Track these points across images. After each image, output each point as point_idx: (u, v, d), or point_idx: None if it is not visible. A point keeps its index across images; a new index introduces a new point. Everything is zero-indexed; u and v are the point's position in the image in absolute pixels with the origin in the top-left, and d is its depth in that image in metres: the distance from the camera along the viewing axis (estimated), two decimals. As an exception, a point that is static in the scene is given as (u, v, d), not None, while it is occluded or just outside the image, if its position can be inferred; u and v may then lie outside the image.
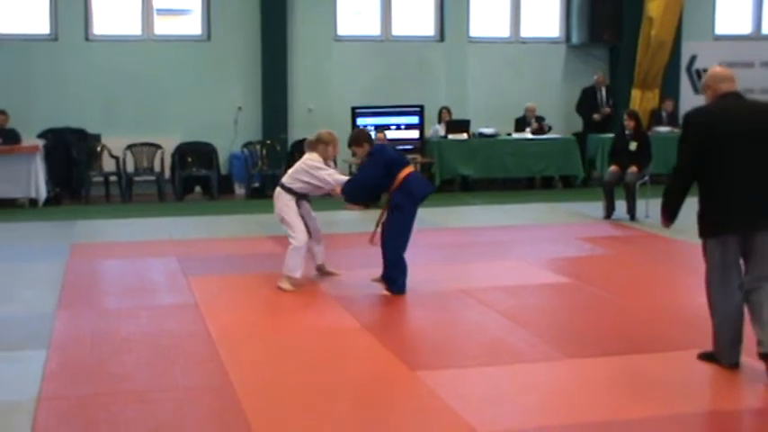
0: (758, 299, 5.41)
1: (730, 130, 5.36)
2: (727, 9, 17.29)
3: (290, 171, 7.95)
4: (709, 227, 5.46)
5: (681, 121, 5.55)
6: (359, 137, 7.84)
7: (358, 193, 7.72)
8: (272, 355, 6.03)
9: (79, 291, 7.91)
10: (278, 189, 7.91)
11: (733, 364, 5.54)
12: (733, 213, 5.37)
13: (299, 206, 7.86)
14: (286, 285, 7.75)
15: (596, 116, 15.41)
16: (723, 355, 5.58)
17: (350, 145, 7.84)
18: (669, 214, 5.66)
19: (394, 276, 7.58)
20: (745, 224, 5.39)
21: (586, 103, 15.68)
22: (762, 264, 5.40)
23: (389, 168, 7.50)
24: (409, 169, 7.63)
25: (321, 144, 7.81)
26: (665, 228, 5.83)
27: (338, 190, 7.69)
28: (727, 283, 5.48)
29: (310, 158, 7.79)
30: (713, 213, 5.42)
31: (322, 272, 8.33)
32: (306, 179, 7.76)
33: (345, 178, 7.82)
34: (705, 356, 5.71)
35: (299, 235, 7.75)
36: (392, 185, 7.46)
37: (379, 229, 7.66)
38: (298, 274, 7.75)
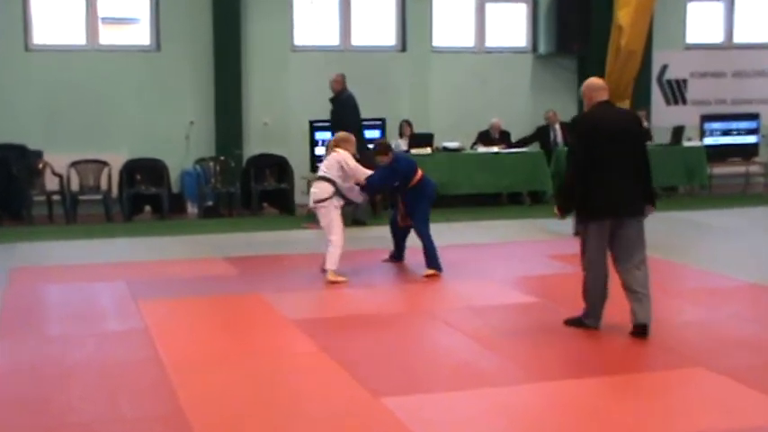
0: (634, 278, 6.62)
1: (607, 131, 6.59)
2: (698, 18, 17.13)
3: (322, 166, 9.00)
4: (593, 212, 6.59)
5: (572, 125, 7.01)
6: (383, 148, 9.36)
7: (377, 189, 9.86)
8: (226, 382, 5.87)
9: (20, 317, 7.73)
10: (324, 184, 8.80)
11: (597, 327, 6.85)
12: (611, 200, 6.55)
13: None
14: (334, 278, 8.71)
15: None
16: (596, 319, 6.86)
17: (376, 154, 9.32)
18: (568, 208, 6.87)
19: (433, 256, 9.03)
20: (619, 210, 6.58)
21: (538, 140, 15.40)
22: (632, 250, 6.62)
23: (406, 177, 9.12)
24: (420, 173, 9.18)
25: (343, 143, 9.02)
26: (561, 219, 7.03)
27: (362, 180, 8.93)
28: (604, 261, 6.70)
29: (341, 153, 8.86)
30: (597, 201, 6.55)
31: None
32: (338, 173, 8.80)
33: (369, 173, 9.00)
34: (572, 322, 6.96)
35: (339, 235, 8.80)
36: (409, 184, 9.13)
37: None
38: (336, 266, 8.80)
